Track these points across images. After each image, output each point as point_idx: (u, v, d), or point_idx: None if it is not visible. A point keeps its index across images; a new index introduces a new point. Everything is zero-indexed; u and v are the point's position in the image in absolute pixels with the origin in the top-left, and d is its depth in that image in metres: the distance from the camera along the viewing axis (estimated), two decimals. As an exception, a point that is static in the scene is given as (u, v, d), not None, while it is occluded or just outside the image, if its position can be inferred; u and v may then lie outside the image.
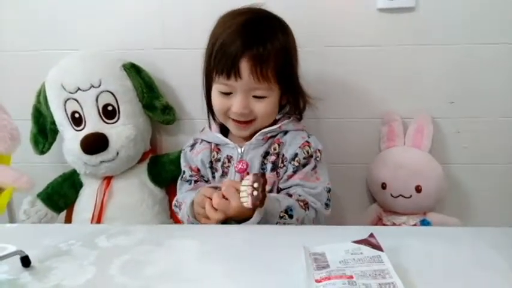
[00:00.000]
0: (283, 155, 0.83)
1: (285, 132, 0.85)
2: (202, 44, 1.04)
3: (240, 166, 0.83)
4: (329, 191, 0.82)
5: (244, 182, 0.68)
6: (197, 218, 0.79)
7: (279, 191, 0.83)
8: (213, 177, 0.88)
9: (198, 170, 0.89)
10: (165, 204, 1.11)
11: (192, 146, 0.92)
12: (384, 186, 1.04)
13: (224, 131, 0.88)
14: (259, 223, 0.72)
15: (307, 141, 0.82)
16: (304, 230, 0.72)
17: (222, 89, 0.81)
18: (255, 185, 0.66)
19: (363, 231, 0.62)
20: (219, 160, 0.87)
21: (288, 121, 0.85)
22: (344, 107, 1.07)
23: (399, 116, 1.06)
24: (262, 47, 0.77)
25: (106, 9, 1.08)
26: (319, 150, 0.83)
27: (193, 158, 0.90)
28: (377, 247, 0.58)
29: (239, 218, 0.72)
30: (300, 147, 0.81)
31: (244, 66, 0.77)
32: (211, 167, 0.88)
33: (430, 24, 1.01)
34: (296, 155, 0.81)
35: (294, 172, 0.81)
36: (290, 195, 0.79)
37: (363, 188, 1.13)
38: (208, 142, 0.89)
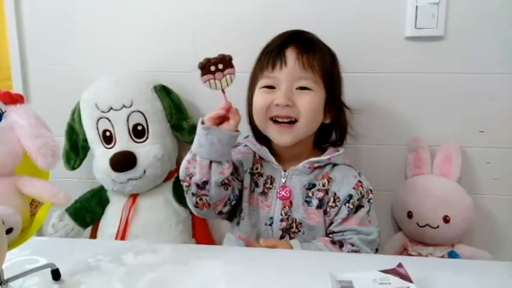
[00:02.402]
0: (334, 194, 0.80)
1: (333, 166, 0.82)
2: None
3: (283, 193, 0.81)
4: (379, 233, 0.80)
5: (223, 83, 0.70)
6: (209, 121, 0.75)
7: (329, 233, 0.80)
8: (252, 190, 0.84)
9: (235, 166, 0.84)
10: (188, 224, 1.12)
11: (235, 146, 0.87)
12: (410, 214, 1.02)
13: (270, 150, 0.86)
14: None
15: (359, 181, 0.81)
16: (330, 257, 0.71)
17: (265, 83, 0.80)
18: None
19: (389, 261, 0.61)
20: (261, 175, 0.84)
21: (338, 154, 0.83)
22: (371, 133, 1.06)
23: (427, 143, 1.04)
24: (308, 40, 0.81)
25: (140, 33, 1.13)
26: (370, 191, 0.81)
27: (233, 156, 0.84)
28: (406, 278, 0.57)
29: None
30: (354, 188, 0.79)
31: (290, 54, 0.79)
32: (252, 174, 0.85)
33: (459, 52, 1.01)
34: (351, 196, 0.79)
35: (348, 215, 0.79)
36: (341, 244, 0.77)
37: (388, 216, 1.11)
38: (252, 151, 0.87)
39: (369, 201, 0.80)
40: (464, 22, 1.00)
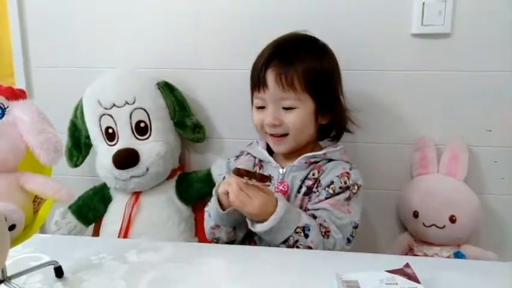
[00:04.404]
0: (319, 181, 0.81)
1: (329, 161, 0.83)
2: (233, 65, 1.08)
3: (281, 188, 0.83)
4: (356, 227, 0.79)
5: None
6: (220, 196, 0.77)
7: (305, 211, 0.81)
8: None
9: None
10: (190, 223, 1.11)
11: (238, 157, 0.93)
12: (415, 214, 1.00)
13: (270, 150, 0.88)
14: (271, 229, 0.70)
15: (347, 172, 0.81)
16: (335, 256, 0.70)
17: (256, 103, 0.84)
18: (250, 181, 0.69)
19: (396, 261, 0.61)
20: None
21: (334, 150, 0.85)
22: (376, 132, 1.05)
23: (433, 142, 1.03)
24: (286, 58, 0.80)
25: (143, 29, 1.12)
26: (357, 185, 0.80)
27: (235, 165, 0.90)
28: (413, 278, 0.56)
29: (258, 218, 0.72)
30: (337, 176, 0.80)
31: (270, 77, 0.80)
32: None
33: (466, 50, 1.00)
34: (332, 182, 0.79)
35: (326, 198, 0.79)
36: (315, 218, 0.77)
37: (394, 216, 1.10)
38: (253, 156, 0.90)
39: (351, 192, 0.79)
40: (472, 19, 0.99)
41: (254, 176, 0.69)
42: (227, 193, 0.74)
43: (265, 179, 0.70)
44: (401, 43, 1.01)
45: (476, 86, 1.01)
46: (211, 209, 0.81)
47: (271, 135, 0.83)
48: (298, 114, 0.81)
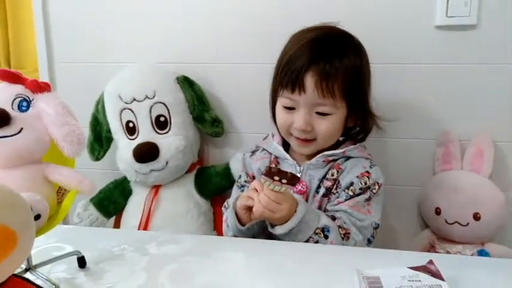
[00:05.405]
0: (338, 182, 0.79)
1: (348, 158, 0.81)
2: (252, 60, 1.07)
3: (300, 188, 0.80)
4: (377, 227, 0.77)
5: (276, 188, 0.67)
6: (238, 211, 0.76)
7: (324, 211, 0.80)
8: None
9: (254, 177, 0.88)
10: (209, 216, 1.12)
11: (253, 152, 0.92)
12: (438, 211, 0.98)
13: (286, 145, 0.87)
14: (291, 230, 0.69)
15: (367, 172, 0.78)
16: (356, 252, 0.69)
17: (285, 103, 0.79)
18: (282, 180, 0.67)
19: (418, 257, 0.60)
20: None
21: (353, 147, 0.82)
22: (398, 126, 1.03)
23: (457, 137, 1.01)
24: (329, 62, 0.75)
25: (163, 25, 1.13)
26: (378, 183, 0.78)
27: (252, 164, 0.89)
28: (437, 275, 0.55)
29: (282, 221, 0.70)
30: (358, 176, 0.78)
31: (309, 80, 0.75)
32: None
33: (493, 42, 0.96)
34: (352, 183, 0.77)
35: (346, 200, 0.77)
36: (334, 219, 0.75)
37: (415, 212, 1.08)
38: (269, 152, 0.88)
39: (372, 192, 0.77)
40: (499, 10, 0.95)
41: (285, 176, 0.67)
42: (246, 208, 0.73)
43: (295, 179, 0.68)
44: (425, 35, 0.99)
45: (502, 79, 0.98)
46: (229, 221, 0.79)
47: (297, 137, 0.80)
48: (331, 121, 0.78)
